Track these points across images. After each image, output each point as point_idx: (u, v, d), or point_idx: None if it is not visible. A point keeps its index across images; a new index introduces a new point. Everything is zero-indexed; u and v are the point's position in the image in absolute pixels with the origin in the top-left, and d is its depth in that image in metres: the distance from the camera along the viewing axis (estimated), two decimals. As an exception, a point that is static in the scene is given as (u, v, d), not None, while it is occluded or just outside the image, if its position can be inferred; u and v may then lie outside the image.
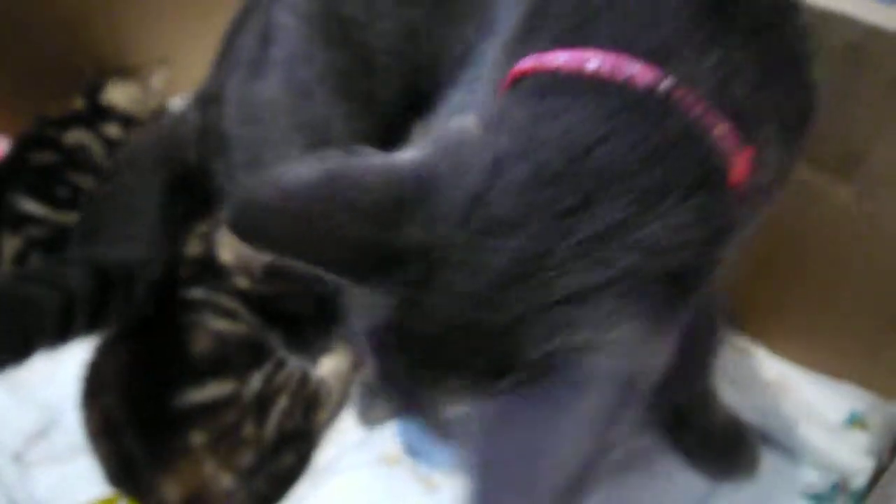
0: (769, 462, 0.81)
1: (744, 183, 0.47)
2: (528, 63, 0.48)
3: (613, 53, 0.45)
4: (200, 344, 0.80)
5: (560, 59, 0.46)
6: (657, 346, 0.44)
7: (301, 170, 0.43)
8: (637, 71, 0.44)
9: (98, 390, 0.79)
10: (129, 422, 0.75)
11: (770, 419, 0.84)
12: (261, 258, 0.85)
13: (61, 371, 0.90)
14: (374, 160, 0.45)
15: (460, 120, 0.47)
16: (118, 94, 1.14)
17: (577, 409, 0.39)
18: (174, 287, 0.85)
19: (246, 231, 0.44)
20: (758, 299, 0.91)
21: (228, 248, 0.86)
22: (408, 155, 0.45)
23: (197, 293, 0.85)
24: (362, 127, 0.75)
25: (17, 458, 0.82)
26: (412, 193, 0.43)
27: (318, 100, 0.76)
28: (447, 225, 0.43)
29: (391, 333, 0.45)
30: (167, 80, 1.19)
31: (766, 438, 0.83)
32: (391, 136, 0.67)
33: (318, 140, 0.77)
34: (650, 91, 0.44)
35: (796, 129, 0.53)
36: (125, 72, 1.17)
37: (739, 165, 0.46)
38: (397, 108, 0.71)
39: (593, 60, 0.45)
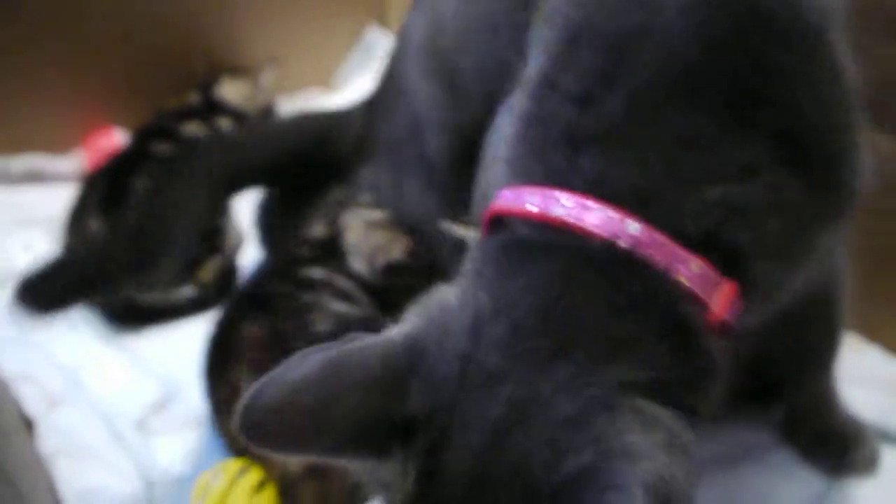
0: (889, 460, 0.79)
1: (730, 314, 0.48)
2: (503, 202, 0.50)
3: (581, 197, 0.47)
4: (322, 324, 0.81)
5: (532, 203, 0.48)
6: (675, 461, 0.43)
7: (302, 363, 0.45)
8: (597, 222, 0.46)
9: (224, 362, 0.80)
10: (255, 391, 0.77)
11: (888, 417, 0.82)
12: (389, 252, 0.88)
13: (177, 347, 0.94)
14: (368, 341, 0.47)
15: (440, 289, 0.50)
16: (230, 91, 1.19)
17: None
18: (293, 265, 0.88)
19: (259, 434, 0.44)
20: (872, 298, 0.89)
21: (356, 232, 0.88)
22: (398, 330, 0.48)
23: (316, 273, 0.87)
24: (455, 161, 0.77)
25: (141, 425, 0.85)
26: (408, 363, 0.45)
27: (425, 134, 0.80)
28: (445, 386, 0.45)
29: None
30: (276, 79, 1.24)
31: (885, 436, 0.81)
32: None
33: (427, 175, 0.82)
34: (609, 246, 0.46)
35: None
36: (237, 70, 1.22)
37: (720, 302, 0.47)
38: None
39: (559, 207, 0.47)
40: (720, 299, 0.47)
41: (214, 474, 0.76)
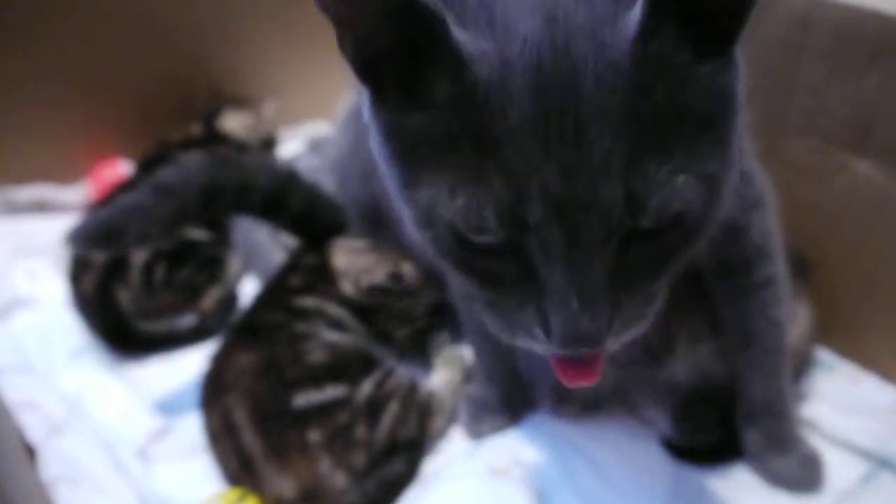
0: (890, 487, 0.79)
1: None
2: None
3: None
4: (316, 354, 0.82)
5: None
6: None
7: None
8: None
9: (219, 393, 0.82)
10: (249, 421, 0.78)
11: (887, 445, 0.82)
12: (373, 275, 0.89)
13: (178, 376, 0.95)
14: None
15: None
16: (232, 122, 1.21)
17: None
18: (286, 295, 0.89)
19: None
20: (867, 326, 0.90)
21: (342, 255, 0.89)
22: None
23: (308, 302, 0.88)
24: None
25: (141, 453, 0.86)
26: None
27: None
28: None
29: None
30: (277, 110, 1.26)
31: (884, 464, 0.81)
32: None
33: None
34: None
35: None
36: (239, 101, 1.24)
37: None
38: None
39: None
40: None
41: (213, 502, 0.77)
